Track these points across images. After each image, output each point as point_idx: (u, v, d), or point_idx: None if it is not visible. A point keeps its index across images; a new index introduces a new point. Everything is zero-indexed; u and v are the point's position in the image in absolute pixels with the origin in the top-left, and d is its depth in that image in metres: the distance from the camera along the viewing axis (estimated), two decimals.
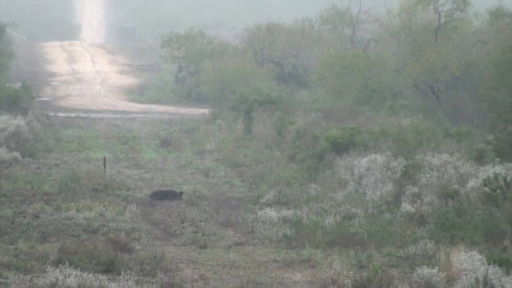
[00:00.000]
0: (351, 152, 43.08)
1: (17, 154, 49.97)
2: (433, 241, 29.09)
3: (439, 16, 71.56)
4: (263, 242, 31.68)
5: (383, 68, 65.77)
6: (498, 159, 36.92)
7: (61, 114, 70.68)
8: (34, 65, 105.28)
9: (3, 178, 42.98)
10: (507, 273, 24.46)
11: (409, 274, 25.87)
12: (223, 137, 58.49)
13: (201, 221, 35.16)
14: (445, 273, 25.23)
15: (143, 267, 27.18)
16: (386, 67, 65.88)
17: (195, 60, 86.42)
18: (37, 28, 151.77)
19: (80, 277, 25.06)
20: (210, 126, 64.03)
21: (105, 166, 45.46)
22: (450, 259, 26.21)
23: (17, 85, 75.56)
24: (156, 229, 33.66)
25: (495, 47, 57.36)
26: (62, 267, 25.95)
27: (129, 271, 26.37)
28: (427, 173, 36.33)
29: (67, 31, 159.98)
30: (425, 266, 25.77)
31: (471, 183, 34.04)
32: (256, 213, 36.04)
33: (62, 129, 62.99)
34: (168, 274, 26.64)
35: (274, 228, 33.13)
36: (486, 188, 32.32)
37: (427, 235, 30.13)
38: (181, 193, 39.91)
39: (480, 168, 35.83)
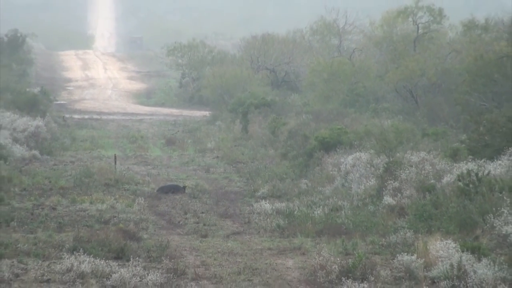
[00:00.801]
0: (338, 150, 43.00)
1: (36, 152, 49.92)
2: (412, 230, 29.00)
3: (417, 27, 71.62)
4: (259, 232, 31.59)
5: (367, 75, 65.70)
6: (470, 156, 36.86)
7: (76, 116, 70.59)
8: (51, 72, 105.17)
9: (23, 173, 42.93)
10: (479, 260, 24.40)
11: (391, 261, 25.76)
12: (222, 137, 58.43)
13: (202, 212, 35.08)
14: (423, 259, 25.14)
15: (150, 254, 27.09)
16: (370, 74, 65.81)
17: (197, 67, 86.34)
18: (54, 38, 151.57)
19: (93, 263, 24.98)
20: (210, 127, 63.94)
21: (115, 163, 45.42)
22: (428, 247, 26.12)
23: (36, 90, 75.53)
24: (161, 220, 33.56)
25: (467, 56, 57.31)
26: (77, 254, 25.87)
27: (137, 258, 26.31)
28: (406, 169, 36.28)
29: (82, 41, 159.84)
30: (405, 253, 25.67)
31: (446, 179, 33.98)
32: (252, 206, 35.94)
33: (77, 130, 62.91)
34: (172, 260, 26.55)
35: (268, 219, 33.05)
36: (460, 183, 32.28)
37: (406, 225, 30.06)
38: (184, 187, 39.84)
39: (455, 165, 35.79)
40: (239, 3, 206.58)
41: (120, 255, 26.64)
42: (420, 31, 71.28)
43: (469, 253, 24.94)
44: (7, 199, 36.01)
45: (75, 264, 24.91)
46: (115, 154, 48.34)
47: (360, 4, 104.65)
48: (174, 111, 76.43)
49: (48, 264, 25.33)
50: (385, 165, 37.38)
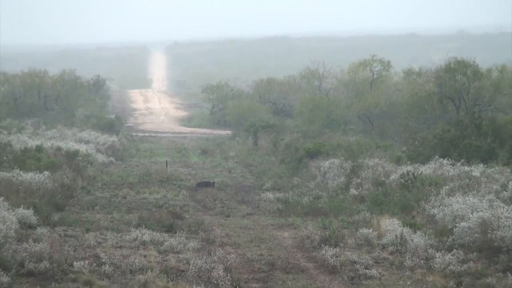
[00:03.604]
0: (319, 157, 43.00)
1: (112, 159, 50.06)
2: (369, 212, 29.01)
3: (373, 74, 71.69)
4: (265, 213, 31.64)
5: (338, 106, 65.68)
6: (409, 161, 36.93)
7: (139, 134, 70.66)
8: (123, 104, 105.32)
9: (104, 173, 43.02)
10: (415, 232, 24.42)
11: (354, 233, 25.76)
12: (240, 148, 58.42)
13: (226, 200, 35.14)
14: (377, 232, 25.16)
15: (190, 228, 27.13)
16: (340, 105, 65.80)
17: (222, 100, 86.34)
18: (125, 81, 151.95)
19: (151, 235, 25.04)
20: (231, 141, 63.93)
21: (167, 166, 45.45)
22: (380, 223, 26.15)
23: (112, 116, 75.66)
24: (198, 205, 33.63)
25: (407, 93, 57.42)
26: (140, 228, 25.94)
27: (181, 231, 26.35)
28: (365, 170, 36.31)
29: (144, 83, 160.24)
30: (364, 228, 25.70)
31: (392, 177, 34.02)
32: (260, 195, 35.97)
33: (140, 143, 62.99)
34: (205, 232, 26.60)
35: (271, 204, 33.10)
36: (401, 180, 32.34)
37: (365, 209, 30.07)
38: (214, 183, 39.85)
39: (398, 167, 35.83)
40: (251, 57, 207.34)
41: (170, 229, 26.71)
42: (374, 76, 71.42)
43: (408, 228, 24.97)
44: (93, 191, 36.17)
45: (139, 235, 24.99)
46: (166, 160, 48.38)
47: (334, 58, 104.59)
48: (207, 130, 76.49)
49: (121, 235, 25.40)
50: (351, 168, 37.40)
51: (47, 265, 20.23)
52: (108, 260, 21.58)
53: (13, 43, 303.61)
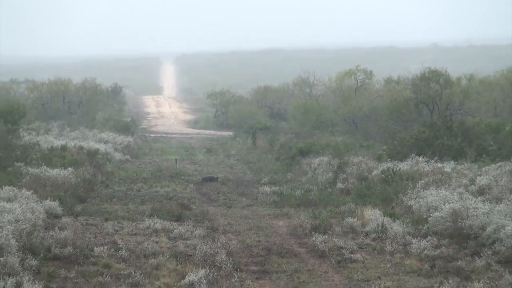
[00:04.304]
0: (309, 155, 43.01)
1: (128, 157, 50.02)
2: (354, 203, 29.01)
3: (357, 82, 71.67)
4: (262, 204, 31.61)
5: (327, 110, 65.66)
6: (389, 159, 36.92)
7: (152, 135, 70.68)
8: (137, 108, 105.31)
9: (120, 169, 42.99)
10: (394, 221, 24.41)
11: (341, 222, 25.75)
12: (240, 147, 58.43)
13: (228, 193, 35.12)
14: (361, 221, 25.16)
15: (196, 218, 27.12)
16: (328, 109, 65.77)
17: (225, 105, 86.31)
18: (139, 88, 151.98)
19: (162, 223, 25.02)
20: (233, 141, 63.93)
21: (176, 163, 45.46)
22: (363, 213, 26.14)
23: (128, 119, 75.73)
24: (203, 197, 33.60)
25: (387, 99, 57.38)
26: (153, 218, 25.91)
27: (189, 220, 26.35)
28: (350, 166, 36.31)
29: (156, 90, 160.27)
30: (350, 217, 25.68)
31: (375, 172, 34.02)
32: (258, 189, 35.94)
33: (153, 143, 62.98)
34: (210, 221, 26.60)
35: (268, 197, 33.06)
36: (382, 175, 32.33)
37: (350, 200, 30.08)
38: (217, 178, 39.85)
39: (379, 164, 35.82)
40: (250, 67, 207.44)
41: (179, 219, 26.71)
42: (358, 84, 71.43)
43: (388, 217, 24.97)
44: (111, 185, 36.16)
45: (152, 224, 24.99)
46: (175, 158, 48.38)
47: (323, 67, 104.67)
48: (211, 132, 76.55)
49: (135, 224, 25.41)
50: (338, 164, 37.41)
51: (71, 250, 20.25)
52: (124, 245, 21.58)
53: (41, 55, 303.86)
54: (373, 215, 25.29)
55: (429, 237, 22.45)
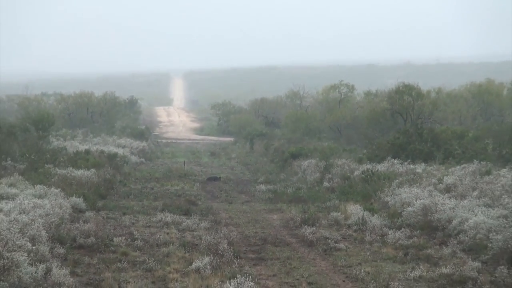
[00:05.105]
0: (300, 158, 43.10)
1: (143, 159, 50.02)
2: (338, 200, 29.03)
3: (341, 94, 71.72)
4: (259, 201, 31.62)
5: (315, 119, 65.73)
6: (368, 161, 37.00)
7: (163, 141, 70.66)
8: (151, 117, 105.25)
9: (136, 170, 42.97)
10: (373, 215, 24.45)
11: (327, 216, 25.75)
12: (239, 151, 58.43)
13: (229, 190, 35.12)
14: (344, 215, 25.18)
15: (202, 212, 27.12)
16: (316, 119, 65.87)
17: (226, 115, 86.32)
18: (153, 100, 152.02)
19: (172, 217, 25.00)
20: (233, 146, 63.95)
21: (184, 165, 45.51)
22: (346, 208, 26.18)
23: (143, 127, 75.70)
24: (208, 194, 33.60)
25: (366, 109, 57.54)
26: (164, 212, 25.93)
27: (195, 214, 26.35)
28: (335, 168, 36.38)
29: (167, 101, 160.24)
30: (335, 212, 25.68)
31: (356, 173, 34.08)
32: (255, 187, 35.95)
33: (164, 148, 62.95)
34: (214, 215, 26.60)
35: (263, 194, 33.08)
36: (362, 175, 32.39)
37: (335, 197, 30.09)
38: (220, 177, 39.91)
39: (360, 165, 35.88)
40: (248, 82, 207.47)
41: (186, 213, 26.71)
42: (342, 96, 71.49)
43: (367, 212, 25.02)
44: (128, 184, 36.15)
45: (163, 217, 24.99)
46: (184, 160, 48.41)
47: (311, 82, 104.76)
48: (215, 138, 76.54)
49: (149, 218, 25.41)
50: (324, 166, 37.48)
51: (93, 240, 20.24)
52: (139, 236, 21.58)
53: (68, 71, 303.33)
54: (354, 210, 25.33)
55: (403, 228, 22.49)
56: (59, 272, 15.63)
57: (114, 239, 20.73)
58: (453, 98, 59.80)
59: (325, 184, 34.27)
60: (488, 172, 28.65)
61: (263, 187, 35.40)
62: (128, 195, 31.97)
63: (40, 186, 26.64)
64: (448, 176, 28.46)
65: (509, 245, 17.72)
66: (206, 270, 17.08)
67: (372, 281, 16.18)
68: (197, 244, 20.68)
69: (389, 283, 15.95)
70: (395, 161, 35.33)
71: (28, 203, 22.29)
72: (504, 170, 29.00)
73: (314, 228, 23.09)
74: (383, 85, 72.65)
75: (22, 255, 15.45)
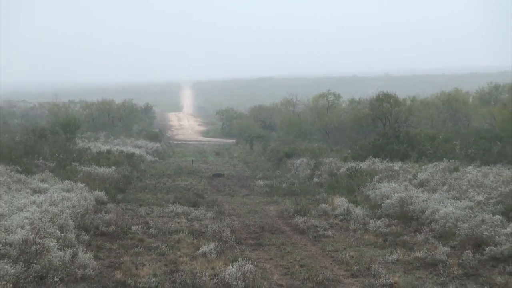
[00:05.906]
0: (293, 157, 43.10)
1: (156, 158, 49.95)
2: (326, 193, 29.00)
3: (328, 102, 71.77)
4: (257, 194, 31.55)
5: (306, 123, 65.81)
6: (352, 160, 37.00)
7: (175, 142, 70.63)
8: (163, 122, 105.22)
9: (151, 168, 42.86)
10: (356, 206, 24.44)
11: (317, 207, 25.75)
12: (241, 151, 58.38)
13: (232, 185, 35.07)
14: (331, 206, 25.17)
15: (208, 204, 27.06)
16: (307, 123, 65.97)
17: (229, 119, 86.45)
18: (165, 107, 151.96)
19: (182, 208, 24.94)
20: (236, 147, 63.92)
21: (192, 163, 45.47)
22: (333, 201, 26.16)
23: (157, 130, 75.76)
24: (213, 189, 33.55)
25: (351, 115, 57.58)
26: (175, 204, 25.87)
27: (202, 206, 26.27)
28: (324, 165, 36.37)
29: (178, 108, 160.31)
30: (323, 204, 25.68)
31: (342, 170, 34.07)
32: (254, 182, 35.89)
33: (175, 148, 62.89)
34: (218, 207, 26.54)
35: (261, 188, 33.03)
36: (347, 172, 32.39)
37: (324, 191, 30.06)
38: (224, 174, 39.89)
39: (345, 163, 35.86)
40: (248, 91, 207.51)
41: (194, 205, 26.66)
42: (329, 103, 71.52)
43: (351, 204, 24.98)
44: (144, 179, 36.09)
45: (174, 208, 24.95)
46: (192, 159, 48.39)
47: (303, 91, 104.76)
48: (219, 140, 76.56)
49: (162, 209, 25.37)
50: (314, 164, 37.48)
51: (114, 228, 20.24)
52: (154, 225, 21.57)
53: (91, 81, 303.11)
54: (340, 202, 25.33)
55: (382, 218, 22.50)
56: (84, 256, 15.66)
57: (132, 227, 20.73)
58: (426, 105, 59.86)
59: (315, 179, 34.28)
60: (456, 169, 28.69)
61: (261, 182, 35.40)
62: (144, 189, 31.94)
63: (67, 181, 26.67)
64: (422, 173, 28.49)
65: (474, 232, 17.81)
66: (212, 254, 17.10)
67: (356, 264, 16.21)
68: (203, 232, 20.68)
69: (370, 265, 15.98)
70: (376, 159, 35.36)
71: (57, 196, 22.31)
72: (470, 167, 29.09)
73: (305, 218, 23.08)
74: (365, 94, 72.69)
75: (52, 241, 15.48)
